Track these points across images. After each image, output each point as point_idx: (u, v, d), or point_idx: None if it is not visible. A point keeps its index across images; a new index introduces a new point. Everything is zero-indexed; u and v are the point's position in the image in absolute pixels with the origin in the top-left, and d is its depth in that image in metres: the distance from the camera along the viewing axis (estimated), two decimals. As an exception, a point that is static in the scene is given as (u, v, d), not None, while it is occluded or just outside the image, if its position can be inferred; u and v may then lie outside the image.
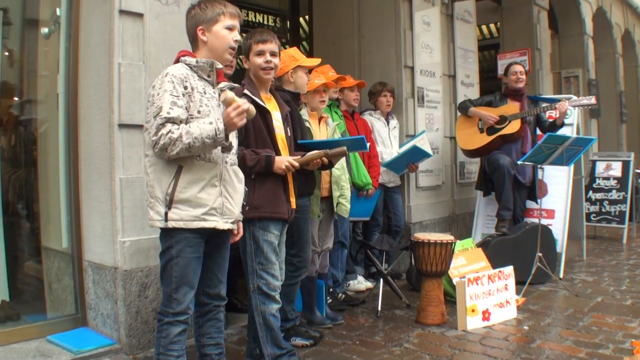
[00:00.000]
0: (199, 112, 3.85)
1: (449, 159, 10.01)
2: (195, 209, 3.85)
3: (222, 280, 4.29)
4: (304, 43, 11.12)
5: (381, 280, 7.01)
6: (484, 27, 16.74)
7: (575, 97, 8.54)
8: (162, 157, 3.79)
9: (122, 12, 5.18)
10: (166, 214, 3.82)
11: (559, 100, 8.41)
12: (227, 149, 3.92)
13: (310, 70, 5.88)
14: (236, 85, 4.30)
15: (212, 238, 4.09)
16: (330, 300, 6.80)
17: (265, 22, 11.07)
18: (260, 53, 4.79)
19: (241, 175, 4.21)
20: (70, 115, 5.59)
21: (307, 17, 10.84)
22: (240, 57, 5.14)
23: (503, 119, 8.35)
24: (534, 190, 8.54)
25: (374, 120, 8.17)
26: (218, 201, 3.95)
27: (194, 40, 4.11)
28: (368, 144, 5.78)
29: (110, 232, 5.25)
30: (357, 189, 7.19)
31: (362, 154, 7.34)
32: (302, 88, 5.57)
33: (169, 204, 3.81)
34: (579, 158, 8.51)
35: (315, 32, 10.32)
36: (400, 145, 8.40)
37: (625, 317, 6.43)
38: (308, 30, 10.82)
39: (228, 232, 4.22)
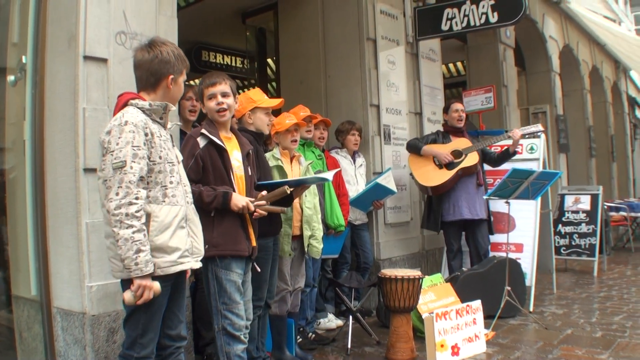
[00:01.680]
0: (160, 157, 3.87)
1: (417, 195, 10.03)
2: (171, 254, 3.85)
3: (182, 320, 4.28)
4: (273, 83, 11.21)
5: (350, 317, 7.02)
6: (450, 65, 16.94)
7: (523, 127, 8.63)
8: None
9: (87, 57, 5.19)
10: None
11: (505, 131, 8.56)
12: None
13: (279, 111, 5.97)
14: (180, 123, 4.34)
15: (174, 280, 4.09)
16: (300, 339, 6.79)
17: (234, 64, 11.18)
18: (212, 96, 4.86)
19: (197, 212, 4.25)
20: (37, 162, 5.55)
21: (274, 58, 10.93)
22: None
23: (458, 154, 8.39)
24: (490, 221, 8.64)
25: (341, 159, 8.20)
26: (188, 242, 3.98)
27: (156, 82, 4.04)
28: (331, 177, 5.86)
29: (77, 277, 5.21)
30: (326, 227, 7.17)
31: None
32: (263, 128, 5.61)
33: None
34: (546, 192, 8.60)
35: (282, 72, 10.41)
36: (367, 183, 8.43)
37: (595, 349, 6.47)
38: (275, 71, 10.90)
39: (185, 271, 4.21)
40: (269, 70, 11.47)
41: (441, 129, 9.07)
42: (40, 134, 5.56)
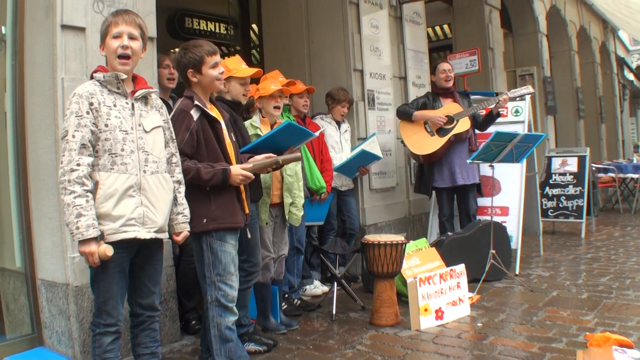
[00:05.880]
0: (106, 125, 3.94)
1: (403, 160, 10.06)
2: (115, 222, 3.90)
3: (154, 291, 4.36)
4: (256, 50, 11.14)
5: (335, 283, 7.05)
6: (437, 29, 16.86)
7: (512, 89, 8.57)
8: None
9: (64, 26, 5.16)
10: None
11: (495, 94, 8.49)
12: None
13: (256, 79, 5.95)
14: (154, 90, 4.33)
15: (141, 250, 4.17)
16: (285, 306, 6.81)
17: (218, 31, 11.08)
18: (215, 65, 4.81)
19: (167, 184, 4.23)
20: (19, 133, 5.54)
21: (257, 24, 10.86)
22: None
23: (450, 120, 8.32)
24: (480, 184, 8.62)
25: (325, 125, 8.17)
26: (137, 211, 3.99)
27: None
28: (316, 133, 5.86)
29: (60, 248, 5.23)
30: (311, 194, 7.21)
31: (314, 158, 7.35)
32: (238, 98, 5.57)
33: None
34: (532, 155, 8.58)
35: (265, 38, 10.33)
36: (352, 149, 8.42)
37: (580, 311, 6.49)
38: (258, 37, 10.81)
39: (158, 244, 4.31)
40: (252, 36, 11.38)
41: (430, 91, 8.95)
42: (21, 106, 5.55)
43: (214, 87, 4.88)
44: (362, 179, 8.96)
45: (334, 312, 6.69)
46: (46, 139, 5.30)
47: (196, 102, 4.72)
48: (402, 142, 8.98)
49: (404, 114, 8.62)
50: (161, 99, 5.79)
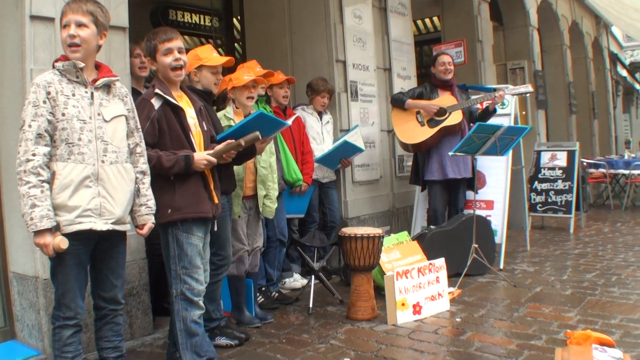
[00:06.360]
0: (63, 114, 3.88)
1: (387, 152, 9.98)
2: (70, 213, 3.85)
3: (117, 284, 4.29)
4: (239, 43, 11.05)
5: (313, 277, 6.97)
6: (427, 21, 16.78)
7: (511, 86, 8.49)
8: None
9: (33, 17, 5.09)
10: None
11: (493, 89, 8.39)
12: None
13: (232, 68, 5.85)
14: (116, 78, 4.26)
15: (100, 242, 4.11)
16: (262, 299, 6.76)
17: (201, 23, 10.98)
18: (169, 52, 4.71)
19: (127, 174, 4.16)
20: (-9, 127, 5.48)
21: (238, 17, 10.77)
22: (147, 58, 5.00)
23: (442, 111, 8.22)
24: (474, 179, 8.45)
25: (307, 116, 8.10)
26: (94, 202, 3.93)
27: None
28: (289, 122, 5.78)
29: (29, 241, 5.06)
30: (289, 186, 7.13)
31: (294, 150, 7.30)
32: (210, 87, 5.51)
33: None
34: (519, 148, 8.49)
35: (247, 31, 10.24)
36: (335, 141, 8.34)
37: (562, 307, 6.41)
38: (240, 30, 10.71)
39: (120, 236, 4.24)
40: (238, 26, 11.27)
41: (429, 82, 8.82)
42: (-7, 99, 5.48)
43: (168, 75, 4.76)
44: (345, 171, 8.87)
45: (310, 305, 6.62)
46: (16, 132, 5.13)
47: (157, 90, 4.65)
48: (392, 130, 8.90)
49: (398, 101, 8.54)
50: (135, 88, 5.73)
